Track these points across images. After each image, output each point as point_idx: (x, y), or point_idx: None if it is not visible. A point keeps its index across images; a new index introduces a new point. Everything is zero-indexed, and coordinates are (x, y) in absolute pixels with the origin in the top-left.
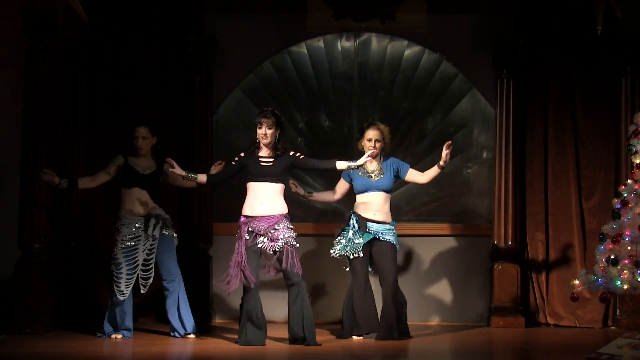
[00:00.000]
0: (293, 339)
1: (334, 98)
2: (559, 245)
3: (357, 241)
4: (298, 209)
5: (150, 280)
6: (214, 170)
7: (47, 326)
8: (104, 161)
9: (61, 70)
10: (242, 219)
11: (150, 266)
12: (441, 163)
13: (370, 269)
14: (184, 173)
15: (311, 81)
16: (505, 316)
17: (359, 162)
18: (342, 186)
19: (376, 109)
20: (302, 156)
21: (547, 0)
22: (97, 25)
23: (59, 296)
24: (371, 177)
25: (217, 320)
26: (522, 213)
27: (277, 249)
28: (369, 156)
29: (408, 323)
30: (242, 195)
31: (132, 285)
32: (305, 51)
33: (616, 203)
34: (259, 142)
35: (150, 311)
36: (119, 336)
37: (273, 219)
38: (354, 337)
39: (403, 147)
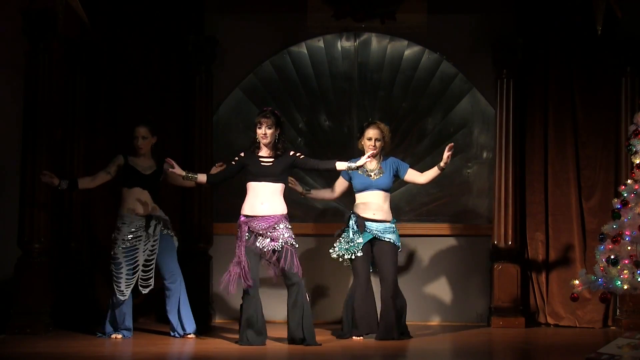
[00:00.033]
0: (292, 340)
1: (334, 98)
2: (559, 245)
3: (357, 241)
4: (298, 209)
5: (151, 282)
6: (215, 171)
7: (47, 326)
8: (104, 161)
9: (61, 70)
10: (242, 218)
11: (151, 267)
12: (441, 164)
13: (372, 269)
14: (184, 173)
15: (311, 81)
16: (505, 316)
17: (359, 162)
18: (340, 184)
19: (376, 109)
20: (302, 156)
21: (547, 0)
22: (97, 25)
23: (59, 296)
24: (370, 176)
25: (217, 320)
26: (522, 213)
27: (277, 249)
28: (369, 157)
29: (408, 323)
30: (242, 195)
31: (132, 285)
32: (305, 51)
33: (616, 203)
34: (259, 142)
35: (150, 311)
36: (119, 336)
37: (273, 219)
38: (354, 337)
39: (403, 147)
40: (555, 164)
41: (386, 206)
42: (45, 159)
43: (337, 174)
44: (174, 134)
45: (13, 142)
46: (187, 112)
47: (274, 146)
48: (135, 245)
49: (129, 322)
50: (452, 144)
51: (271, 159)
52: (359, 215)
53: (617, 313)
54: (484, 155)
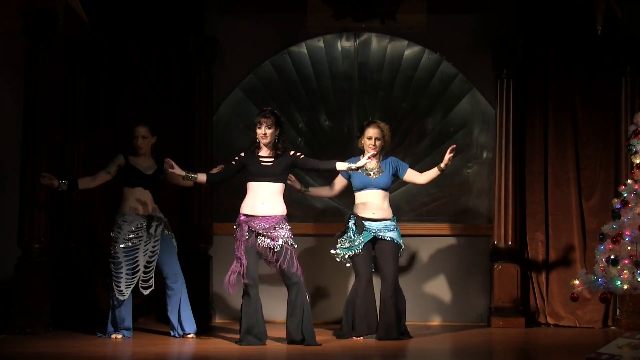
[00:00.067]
0: (292, 340)
1: (334, 98)
2: (559, 245)
3: (357, 241)
4: (298, 209)
5: (151, 283)
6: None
7: (47, 326)
8: (104, 161)
9: (61, 70)
10: (242, 217)
11: (152, 269)
12: (442, 165)
13: (374, 269)
14: (183, 173)
15: (311, 81)
16: (505, 316)
17: (360, 163)
18: (339, 182)
19: (376, 109)
20: (302, 156)
21: (547, 0)
22: (97, 25)
23: (59, 296)
24: (370, 175)
25: (217, 320)
26: (522, 213)
27: (276, 249)
28: (369, 158)
29: (408, 323)
30: (242, 195)
31: (132, 286)
32: (305, 51)
33: (616, 203)
34: (259, 142)
35: (150, 311)
36: (119, 336)
37: (273, 220)
38: (354, 337)
39: (403, 147)
40: (555, 164)
41: (385, 205)
42: (45, 159)
43: (336, 173)
44: (174, 134)
45: (13, 142)
46: (187, 112)
47: (274, 146)
48: (136, 244)
49: (129, 322)
50: (455, 145)
51: (271, 159)
52: (357, 216)
53: (617, 313)
54: (484, 155)
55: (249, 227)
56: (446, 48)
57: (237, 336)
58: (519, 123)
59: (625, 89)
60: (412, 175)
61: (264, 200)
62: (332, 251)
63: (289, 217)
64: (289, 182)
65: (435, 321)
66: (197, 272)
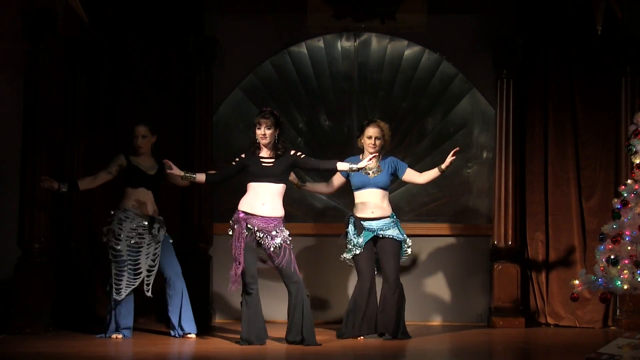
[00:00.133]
0: (291, 340)
1: (334, 98)
2: (559, 245)
3: (357, 241)
4: (298, 209)
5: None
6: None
7: (47, 326)
8: (105, 161)
9: (61, 70)
10: (241, 215)
11: (154, 272)
12: (443, 167)
13: (376, 269)
14: (182, 173)
15: (311, 81)
16: (505, 316)
17: (361, 164)
18: (337, 179)
19: (376, 109)
20: (302, 155)
21: (547, 0)
22: (97, 25)
23: (59, 296)
24: (369, 174)
25: (217, 320)
26: (522, 213)
27: (274, 248)
28: (370, 159)
29: (408, 323)
30: (242, 195)
31: (133, 287)
32: (305, 51)
33: (616, 203)
34: (259, 143)
35: (150, 311)
36: (119, 336)
37: (272, 221)
38: (355, 337)
39: (403, 147)
40: (555, 164)
41: (385, 203)
42: (45, 159)
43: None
44: (174, 134)
45: (13, 142)
46: (187, 112)
47: (274, 146)
48: (140, 244)
49: (129, 322)
50: (458, 148)
51: (272, 160)
52: (356, 218)
53: (617, 313)
54: (484, 155)
55: (247, 224)
56: (446, 48)
57: (237, 336)
58: (519, 123)
59: (625, 89)
60: (411, 175)
61: (264, 201)
62: (342, 257)
63: (289, 217)
64: None
65: (435, 321)
66: (197, 272)
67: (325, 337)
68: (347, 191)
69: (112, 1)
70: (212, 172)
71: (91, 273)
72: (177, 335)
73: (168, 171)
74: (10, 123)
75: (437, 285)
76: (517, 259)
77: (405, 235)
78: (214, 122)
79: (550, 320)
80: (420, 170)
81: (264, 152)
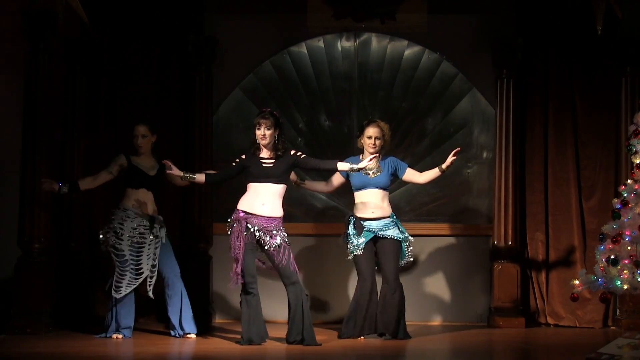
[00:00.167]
0: (291, 340)
1: (334, 98)
2: (559, 245)
3: (358, 241)
4: (298, 209)
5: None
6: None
7: (47, 326)
8: (105, 161)
9: (61, 70)
10: (241, 214)
11: (155, 271)
12: (443, 166)
13: (377, 268)
14: (182, 174)
15: (311, 81)
16: (505, 316)
17: (361, 164)
18: (337, 179)
19: (376, 109)
20: (303, 155)
21: (547, 0)
22: (97, 25)
23: (59, 296)
24: (368, 174)
25: (217, 320)
26: (522, 213)
27: (273, 248)
28: (370, 160)
29: (408, 323)
30: (242, 195)
31: (133, 287)
32: (305, 51)
33: (616, 203)
34: (259, 144)
35: (150, 311)
36: (120, 336)
37: (272, 222)
38: (355, 337)
39: (403, 147)
40: (555, 164)
41: (385, 203)
42: (45, 159)
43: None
44: (174, 134)
45: (13, 142)
46: (187, 112)
47: (274, 147)
48: (142, 244)
49: (130, 322)
50: (459, 148)
51: (272, 160)
52: (356, 218)
53: (617, 313)
54: (484, 155)
55: (247, 223)
56: (446, 48)
57: (237, 336)
58: (519, 123)
59: (625, 89)
60: (411, 175)
61: (264, 201)
62: (349, 257)
63: (289, 217)
64: None
65: (435, 321)
66: (197, 272)
67: (325, 337)
68: (347, 191)
69: (112, 1)
70: (212, 172)
71: (91, 273)
72: (177, 335)
73: (168, 172)
74: (10, 123)
75: (437, 285)
76: (517, 259)
77: (406, 233)
78: (214, 122)
79: (550, 320)
80: (421, 170)
81: (264, 153)
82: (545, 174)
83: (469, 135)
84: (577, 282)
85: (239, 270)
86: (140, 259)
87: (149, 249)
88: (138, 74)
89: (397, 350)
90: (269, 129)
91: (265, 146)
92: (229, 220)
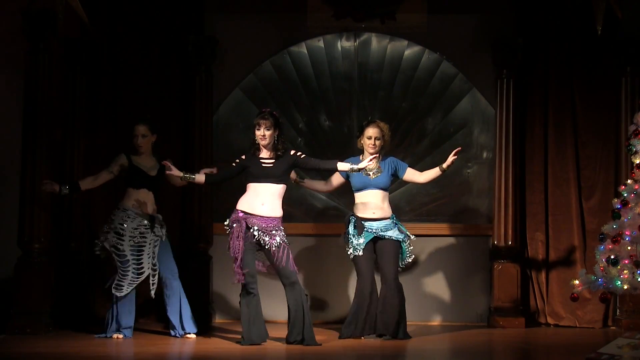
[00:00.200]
0: (291, 340)
1: (334, 98)
2: (559, 245)
3: (358, 242)
4: (298, 209)
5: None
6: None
7: (47, 326)
8: (105, 161)
9: (61, 70)
10: (240, 214)
11: (157, 269)
12: (444, 166)
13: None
14: (181, 174)
15: (311, 81)
16: (505, 316)
17: (361, 165)
18: (336, 179)
19: (376, 109)
20: (303, 155)
21: (547, 0)
22: (97, 25)
23: (59, 296)
24: (369, 175)
25: (217, 320)
26: (522, 213)
27: (272, 248)
28: (370, 160)
29: (408, 323)
30: (241, 195)
31: (135, 285)
32: (305, 51)
33: (616, 203)
34: (259, 144)
35: (150, 311)
36: (120, 336)
37: (271, 222)
38: (357, 337)
39: (403, 147)
40: (555, 164)
41: (385, 204)
42: (45, 159)
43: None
44: (174, 134)
45: (13, 142)
46: (187, 112)
47: (273, 147)
48: (142, 244)
49: (131, 322)
50: (460, 148)
51: (272, 160)
52: (357, 217)
53: (617, 313)
54: (484, 155)
55: (247, 223)
56: (446, 48)
57: (238, 336)
58: (519, 123)
59: (625, 89)
60: (411, 175)
61: (264, 201)
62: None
63: (289, 217)
64: None
65: (435, 321)
66: (197, 272)
67: (325, 337)
68: (347, 191)
69: (112, 1)
70: (209, 170)
71: (91, 273)
72: (177, 335)
73: (167, 172)
74: (10, 123)
75: (437, 285)
76: (517, 259)
77: (407, 233)
78: (214, 122)
79: (550, 320)
80: (421, 171)
81: (264, 153)
82: (545, 174)
83: (469, 135)
84: (577, 282)
85: (238, 269)
86: (142, 259)
87: (149, 248)
88: (138, 74)
89: (397, 350)
90: (268, 129)
91: (265, 146)
92: (226, 221)
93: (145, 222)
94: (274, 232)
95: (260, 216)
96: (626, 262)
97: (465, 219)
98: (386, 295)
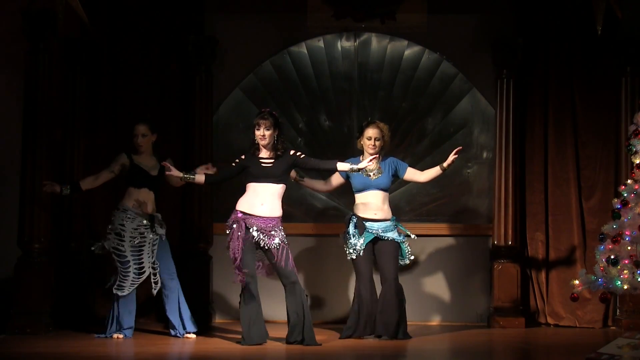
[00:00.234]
0: (292, 341)
1: (334, 98)
2: (559, 245)
3: (358, 243)
4: (298, 209)
5: (159, 284)
6: (202, 171)
7: (47, 326)
8: (105, 161)
9: (61, 70)
10: (239, 214)
11: (157, 268)
12: (444, 165)
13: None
14: (181, 174)
15: (311, 81)
16: (505, 316)
17: (361, 165)
18: (336, 179)
19: (376, 109)
20: (302, 155)
21: (547, 0)
22: (97, 25)
23: (59, 296)
24: (370, 176)
25: (217, 320)
26: (522, 213)
27: (272, 248)
28: (370, 160)
29: (408, 323)
30: (241, 195)
31: (136, 285)
32: (305, 51)
33: (616, 203)
34: (258, 144)
35: (150, 311)
36: (121, 336)
37: (271, 222)
38: (358, 338)
39: (403, 147)
40: (555, 164)
41: (386, 206)
42: (45, 159)
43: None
44: (174, 134)
45: (13, 142)
46: (187, 112)
47: (273, 147)
48: (142, 244)
49: (131, 322)
50: (461, 147)
51: (272, 160)
52: (359, 217)
53: (617, 313)
54: (484, 155)
55: (246, 224)
56: (446, 48)
57: (238, 336)
58: (519, 123)
59: (625, 89)
60: (412, 174)
61: (263, 201)
62: (348, 258)
63: (289, 217)
64: None
65: (435, 321)
66: (197, 272)
67: (325, 337)
68: (347, 191)
69: (112, 1)
70: (205, 167)
71: (91, 273)
72: (178, 334)
73: (167, 173)
74: (10, 123)
75: (437, 285)
76: (517, 259)
77: (407, 232)
78: (214, 122)
79: (550, 320)
80: (421, 170)
81: (264, 153)
82: (545, 174)
83: (469, 135)
84: (577, 282)
85: (239, 272)
86: (142, 259)
87: (148, 247)
88: (138, 74)
89: (397, 350)
90: (268, 129)
91: (264, 146)
92: (227, 222)
93: (145, 221)
94: (273, 232)
95: (260, 216)
96: (626, 262)
97: (465, 219)
98: (386, 295)
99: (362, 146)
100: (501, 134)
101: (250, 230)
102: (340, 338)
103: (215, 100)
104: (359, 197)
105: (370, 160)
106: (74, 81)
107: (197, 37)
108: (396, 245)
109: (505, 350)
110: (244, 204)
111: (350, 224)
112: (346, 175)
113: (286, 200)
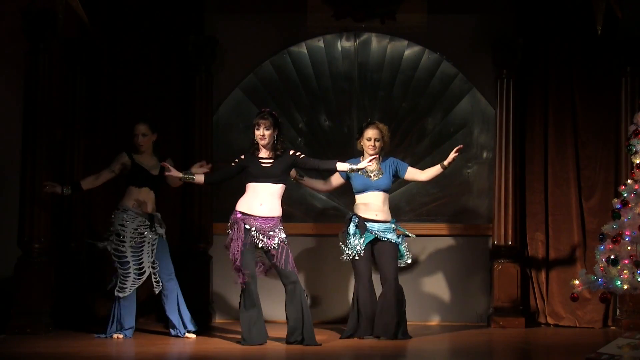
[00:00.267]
0: (291, 340)
1: (334, 98)
2: (559, 245)
3: (358, 243)
4: (298, 209)
5: (160, 283)
6: (198, 170)
7: (47, 326)
8: (105, 161)
9: (61, 70)
10: (239, 215)
11: (157, 267)
12: (445, 163)
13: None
14: (181, 175)
15: (311, 81)
16: (505, 316)
17: (360, 165)
18: (336, 179)
19: (376, 109)
20: (302, 155)
21: (547, 0)
22: (97, 25)
23: (59, 296)
24: (370, 177)
25: (217, 320)
26: (522, 213)
27: (272, 248)
28: (370, 161)
29: (408, 323)
30: (241, 195)
31: (137, 285)
32: (305, 51)
33: (616, 203)
34: (258, 144)
35: (151, 311)
36: (121, 336)
37: (270, 222)
38: (359, 337)
39: (403, 147)
40: (555, 164)
41: (386, 207)
42: (45, 159)
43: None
44: (174, 133)
45: (13, 142)
46: (187, 112)
47: (273, 147)
48: (141, 243)
49: (132, 322)
50: (462, 145)
51: (271, 160)
52: (359, 217)
53: (617, 313)
54: (484, 155)
55: (245, 225)
56: (446, 48)
57: (237, 336)
58: (519, 123)
59: (625, 89)
60: (412, 174)
61: (262, 201)
62: (342, 258)
63: (289, 217)
64: None
65: (435, 321)
66: (197, 272)
67: (325, 337)
68: (347, 191)
69: (112, 1)
70: (195, 170)
71: (91, 273)
72: (178, 334)
73: (167, 173)
74: (10, 123)
75: (437, 285)
76: (517, 259)
77: (407, 232)
78: (214, 122)
79: (550, 320)
80: (421, 170)
81: (263, 153)
82: (545, 174)
83: (469, 135)
84: (577, 282)
85: (238, 269)
86: (142, 259)
87: (148, 246)
88: (138, 74)
89: (397, 350)
90: (267, 129)
91: (264, 146)
92: (229, 222)
93: (145, 221)
94: (272, 232)
95: (259, 217)
96: (626, 262)
97: (465, 219)
98: (386, 296)
99: (362, 147)
100: (501, 134)
101: (250, 230)
102: (340, 338)
103: (215, 100)
104: (360, 198)
105: (370, 161)
106: (74, 81)
107: (197, 37)
108: (395, 246)
109: (505, 350)
110: (243, 204)
111: (351, 224)
112: (346, 175)
113: (286, 200)
